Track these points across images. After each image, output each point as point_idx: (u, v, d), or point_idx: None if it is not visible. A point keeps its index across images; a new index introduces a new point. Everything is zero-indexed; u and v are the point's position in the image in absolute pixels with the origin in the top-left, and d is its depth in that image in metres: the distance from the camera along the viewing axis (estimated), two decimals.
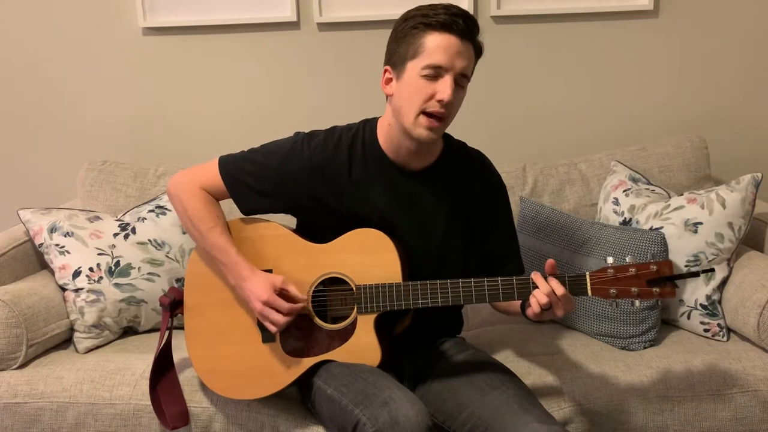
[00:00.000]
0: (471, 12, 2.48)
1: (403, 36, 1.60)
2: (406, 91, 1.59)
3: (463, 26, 1.56)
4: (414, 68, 1.57)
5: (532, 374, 1.89)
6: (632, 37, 2.56)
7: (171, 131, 2.67)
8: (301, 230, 1.78)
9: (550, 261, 1.56)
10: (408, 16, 1.61)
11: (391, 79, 1.64)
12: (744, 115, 2.62)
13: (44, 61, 2.64)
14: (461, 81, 1.59)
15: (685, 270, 2.08)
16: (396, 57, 1.61)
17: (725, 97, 2.60)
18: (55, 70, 2.64)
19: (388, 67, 1.64)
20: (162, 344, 1.84)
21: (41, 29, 2.61)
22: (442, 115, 1.59)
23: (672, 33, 2.56)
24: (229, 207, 1.79)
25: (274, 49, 2.60)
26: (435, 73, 1.56)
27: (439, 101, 1.56)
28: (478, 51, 1.62)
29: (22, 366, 1.95)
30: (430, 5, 1.59)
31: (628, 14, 2.54)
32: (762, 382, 1.86)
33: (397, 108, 1.62)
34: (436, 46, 1.55)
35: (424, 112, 1.58)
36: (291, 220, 1.81)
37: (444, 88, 1.56)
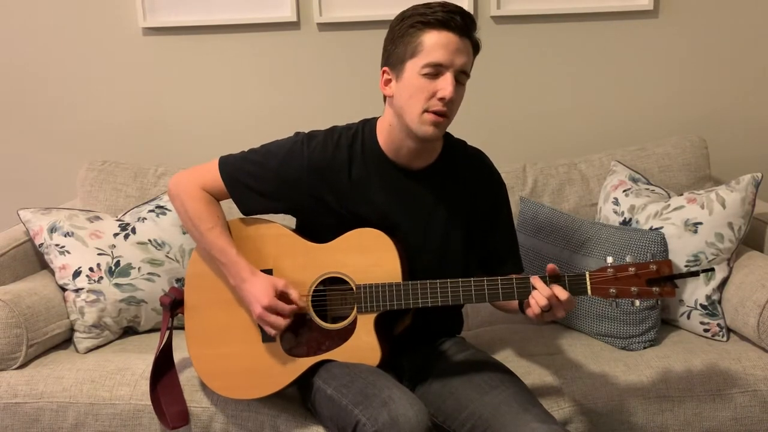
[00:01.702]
0: (471, 12, 2.50)
1: (400, 36, 1.59)
2: (406, 91, 1.59)
3: (461, 23, 1.56)
4: (413, 67, 1.57)
5: (532, 374, 1.89)
6: (632, 37, 2.56)
7: (171, 131, 2.67)
8: (301, 230, 1.78)
9: (550, 266, 1.55)
10: (404, 16, 1.60)
11: (390, 80, 1.63)
12: (744, 115, 2.62)
13: (44, 61, 2.64)
14: (461, 78, 1.59)
15: (684, 270, 2.09)
16: (394, 57, 1.61)
17: (725, 97, 2.60)
18: (55, 70, 2.64)
19: (386, 68, 1.64)
20: (162, 344, 1.84)
21: (41, 29, 2.61)
22: (444, 113, 1.58)
23: (672, 33, 2.56)
24: (229, 207, 1.79)
25: (274, 49, 2.60)
26: (435, 71, 1.56)
27: (441, 99, 1.56)
28: (476, 47, 1.62)
29: (22, 366, 1.95)
30: (426, 4, 1.59)
31: (628, 14, 2.54)
32: (762, 382, 1.86)
33: (398, 109, 1.62)
34: (435, 43, 1.55)
35: (426, 111, 1.58)
36: (291, 221, 1.81)
37: (445, 85, 1.55)
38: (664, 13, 2.55)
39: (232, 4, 2.56)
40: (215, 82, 2.64)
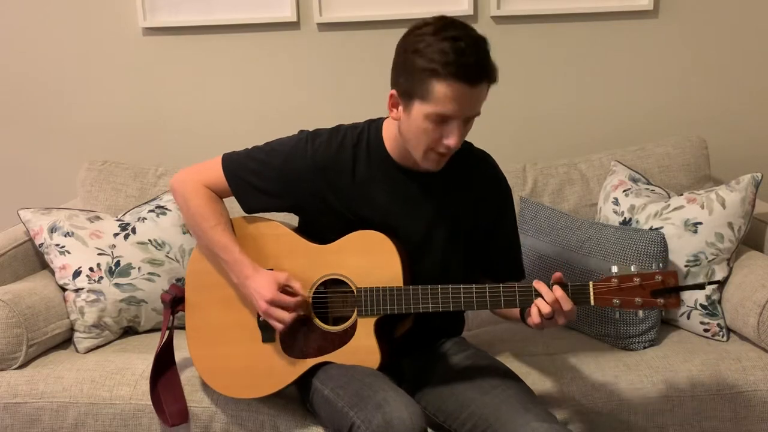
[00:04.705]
0: (471, 12, 2.51)
1: (410, 71, 1.49)
2: (412, 129, 1.55)
3: (475, 73, 1.46)
4: (421, 110, 1.50)
5: (532, 374, 1.89)
6: (632, 37, 2.56)
7: (171, 131, 2.67)
8: (303, 230, 1.77)
9: (557, 274, 1.53)
10: (415, 49, 1.48)
11: (397, 104, 1.57)
12: (744, 115, 2.61)
13: (44, 62, 2.64)
14: (470, 118, 1.55)
15: (684, 270, 2.09)
16: (402, 88, 1.53)
17: (725, 97, 2.60)
18: (55, 71, 2.64)
19: (393, 93, 1.56)
20: (163, 342, 1.84)
21: (41, 30, 2.61)
22: (449, 153, 1.57)
23: (672, 33, 2.56)
24: (231, 205, 1.78)
25: (274, 49, 2.60)
26: (442, 119, 1.51)
27: (447, 145, 1.53)
28: (492, 81, 1.52)
29: (22, 366, 1.95)
30: (439, 36, 1.46)
31: (628, 14, 2.54)
32: (762, 382, 1.86)
33: (404, 136, 1.59)
34: (445, 96, 1.47)
35: (431, 149, 1.56)
36: (293, 219, 1.81)
37: (452, 134, 1.51)
38: (664, 13, 2.54)
39: (232, 4, 2.55)
40: (215, 82, 2.64)
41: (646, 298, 1.49)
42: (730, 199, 2.09)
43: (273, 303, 1.64)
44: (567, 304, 1.51)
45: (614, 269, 1.52)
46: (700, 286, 1.55)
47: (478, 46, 1.48)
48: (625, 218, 2.22)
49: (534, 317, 1.53)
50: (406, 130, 1.57)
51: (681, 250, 2.09)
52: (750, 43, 2.56)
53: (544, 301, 1.51)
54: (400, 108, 1.56)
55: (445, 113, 1.49)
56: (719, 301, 2.08)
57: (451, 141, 1.52)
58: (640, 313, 1.53)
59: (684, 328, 2.13)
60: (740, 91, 2.60)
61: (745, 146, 2.62)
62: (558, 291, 1.51)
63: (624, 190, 2.27)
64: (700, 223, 2.08)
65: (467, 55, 1.45)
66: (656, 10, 2.53)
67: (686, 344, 2.03)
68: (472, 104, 1.51)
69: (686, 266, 2.09)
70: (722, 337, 2.06)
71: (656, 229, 2.11)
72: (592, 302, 1.52)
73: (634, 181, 2.30)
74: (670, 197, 2.23)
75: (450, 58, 1.44)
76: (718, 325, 2.07)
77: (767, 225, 2.26)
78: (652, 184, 2.30)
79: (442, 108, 1.48)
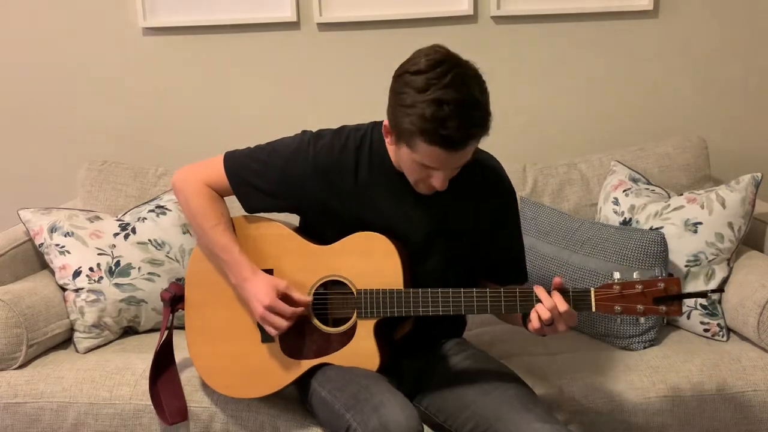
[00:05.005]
0: (471, 12, 2.51)
1: (397, 122, 1.48)
2: (402, 163, 1.56)
3: (457, 141, 1.44)
4: (407, 154, 1.51)
5: (532, 374, 1.89)
6: (632, 37, 2.56)
7: (171, 131, 2.67)
8: (304, 230, 1.77)
9: (556, 279, 1.53)
10: (402, 103, 1.45)
11: (390, 134, 1.55)
12: (744, 115, 2.62)
13: (44, 61, 2.64)
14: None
15: (684, 270, 2.09)
16: (392, 126, 1.52)
17: (725, 97, 2.60)
18: (55, 70, 2.64)
19: (386, 124, 1.55)
20: (162, 339, 1.84)
21: (41, 29, 2.61)
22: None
23: (672, 33, 2.56)
24: (232, 204, 1.78)
25: (274, 49, 2.60)
26: (428, 166, 1.51)
27: (433, 185, 1.54)
28: (482, 136, 1.49)
29: (22, 366, 1.95)
30: (425, 95, 1.41)
31: (628, 14, 2.54)
32: (762, 382, 1.86)
33: (398, 158, 1.59)
34: (428, 155, 1.47)
35: (421, 181, 1.57)
36: (293, 219, 1.80)
37: (437, 178, 1.52)
38: (664, 13, 2.54)
39: (232, 4, 2.55)
40: (215, 82, 2.64)
41: (648, 305, 1.48)
42: (730, 199, 2.09)
43: (270, 309, 1.63)
44: (567, 311, 1.50)
45: (616, 275, 1.51)
46: (703, 294, 1.55)
47: (465, 110, 1.42)
48: (625, 218, 2.22)
49: (534, 323, 1.53)
50: (399, 159, 1.58)
51: (681, 250, 2.09)
52: (750, 44, 2.56)
53: (544, 306, 1.51)
54: (393, 137, 1.55)
55: (431, 166, 1.50)
56: (719, 301, 2.08)
57: (436, 183, 1.53)
58: (642, 320, 1.52)
59: (684, 328, 2.13)
60: (740, 91, 2.60)
61: (745, 146, 2.62)
62: (557, 297, 1.51)
63: (624, 190, 2.27)
64: (700, 223, 2.08)
65: (449, 127, 1.41)
66: (656, 10, 2.53)
67: (686, 344, 2.03)
68: (456, 162, 1.51)
69: (686, 266, 2.09)
70: (722, 337, 2.06)
71: (656, 229, 2.11)
72: (594, 309, 1.51)
73: (634, 181, 2.30)
74: (670, 197, 2.23)
75: (430, 126, 1.42)
76: (718, 325, 2.07)
77: (767, 225, 2.26)
78: (652, 184, 2.30)
79: (426, 161, 1.49)
